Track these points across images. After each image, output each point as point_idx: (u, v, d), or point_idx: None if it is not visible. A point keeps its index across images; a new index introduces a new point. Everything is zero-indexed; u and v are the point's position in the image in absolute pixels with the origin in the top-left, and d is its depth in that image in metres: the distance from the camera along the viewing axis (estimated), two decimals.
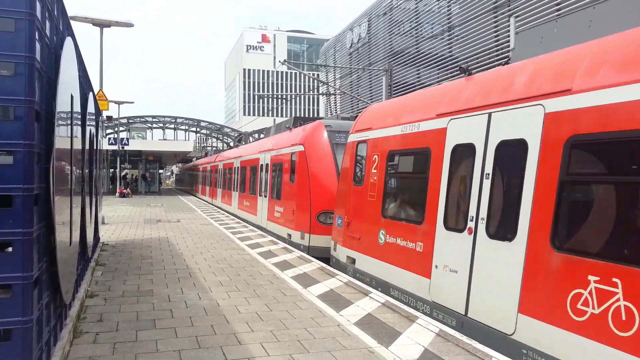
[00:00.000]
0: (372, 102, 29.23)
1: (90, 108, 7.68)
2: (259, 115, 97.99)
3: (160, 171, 59.85)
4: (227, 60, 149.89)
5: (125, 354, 4.86)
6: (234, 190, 23.29)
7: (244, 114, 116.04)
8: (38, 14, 3.53)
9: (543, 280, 4.91)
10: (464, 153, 6.36)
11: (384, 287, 8.02)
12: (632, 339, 3.96)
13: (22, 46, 3.31)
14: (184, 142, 52.29)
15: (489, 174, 5.85)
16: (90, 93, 8.32)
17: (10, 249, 3.36)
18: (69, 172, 4.96)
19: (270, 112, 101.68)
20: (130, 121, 57.86)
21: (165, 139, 61.88)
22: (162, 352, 4.97)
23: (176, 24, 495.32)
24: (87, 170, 7.41)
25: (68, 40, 4.77)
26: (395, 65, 32.88)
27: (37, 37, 3.49)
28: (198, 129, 71.12)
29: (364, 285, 7.98)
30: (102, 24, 19.78)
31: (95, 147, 9.11)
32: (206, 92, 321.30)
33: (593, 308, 4.33)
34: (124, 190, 35.23)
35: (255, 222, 18.02)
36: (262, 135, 22.80)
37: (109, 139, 36.19)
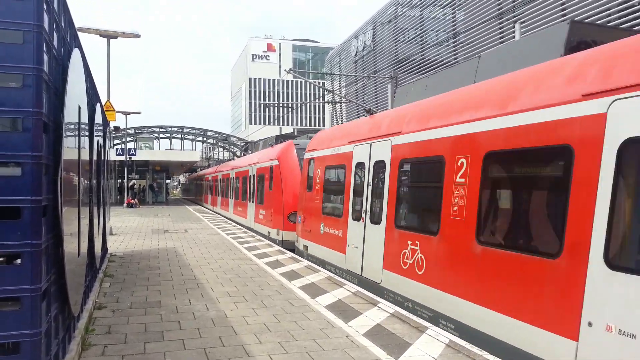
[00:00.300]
0: (378, 109, 29.19)
1: (98, 119, 7.71)
2: (265, 124, 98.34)
3: (168, 181, 60.05)
4: (233, 69, 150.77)
5: None
6: (230, 198, 26.94)
7: (250, 123, 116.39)
8: (46, 25, 3.54)
9: (392, 246, 7.85)
10: (361, 168, 9.45)
11: (323, 264, 10.91)
12: (423, 275, 6.89)
13: (30, 58, 3.32)
14: (191, 152, 52.35)
15: (370, 182, 8.94)
16: (98, 104, 8.36)
17: (19, 261, 3.34)
18: (77, 183, 4.96)
19: (276, 121, 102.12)
20: (137, 131, 58.19)
21: (172, 149, 62.12)
22: None
23: (176, 23, 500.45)
24: (95, 181, 7.42)
25: (75, 52, 4.79)
26: (400, 72, 32.87)
27: (44, 48, 3.49)
28: (205, 139, 71.44)
29: (372, 295, 7.99)
30: (109, 35, 19.77)
31: (102, 158, 9.13)
32: (208, 93, 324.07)
33: (409, 259, 7.27)
34: (132, 201, 35.33)
35: (246, 224, 21.16)
36: (249, 151, 25.89)
37: (117, 149, 36.27)
